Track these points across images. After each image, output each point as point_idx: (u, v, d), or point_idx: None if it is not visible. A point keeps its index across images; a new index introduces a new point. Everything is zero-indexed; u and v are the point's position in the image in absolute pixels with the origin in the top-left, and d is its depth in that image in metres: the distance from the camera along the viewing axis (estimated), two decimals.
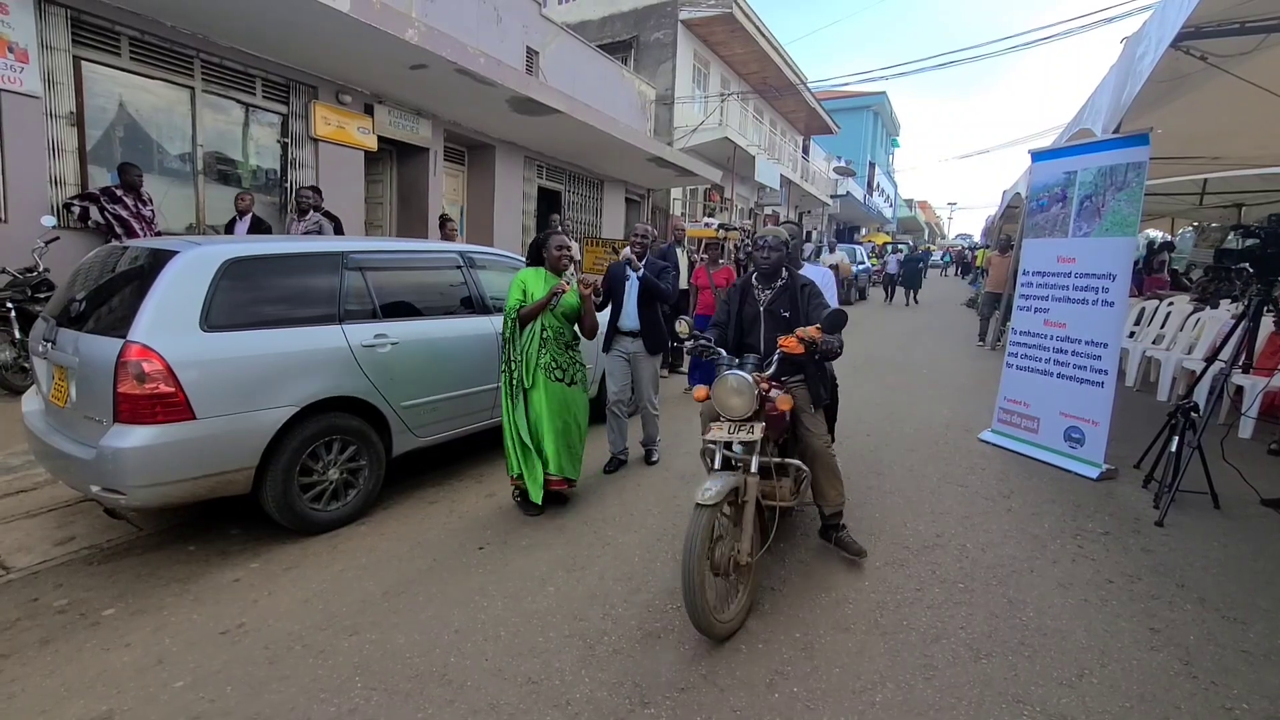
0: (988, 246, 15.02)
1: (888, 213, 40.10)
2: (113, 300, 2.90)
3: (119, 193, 5.36)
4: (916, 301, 17.08)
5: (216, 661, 2.19)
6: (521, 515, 3.42)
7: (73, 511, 3.31)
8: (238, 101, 6.77)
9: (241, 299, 2.93)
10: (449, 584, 2.73)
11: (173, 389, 2.62)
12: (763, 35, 16.67)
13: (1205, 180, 8.04)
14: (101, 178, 5.72)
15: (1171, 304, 7.42)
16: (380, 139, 8.15)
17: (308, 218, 6.05)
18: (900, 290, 17.37)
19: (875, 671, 2.23)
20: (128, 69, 5.82)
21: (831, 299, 3.40)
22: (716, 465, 2.52)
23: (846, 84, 22.99)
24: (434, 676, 2.14)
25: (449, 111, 8.89)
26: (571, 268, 8.99)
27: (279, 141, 7.25)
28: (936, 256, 39.86)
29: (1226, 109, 5.05)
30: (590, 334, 3.62)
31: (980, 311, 10.91)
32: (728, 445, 2.51)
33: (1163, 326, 7.27)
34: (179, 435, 2.66)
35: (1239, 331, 3.78)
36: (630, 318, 4.11)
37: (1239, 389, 5.22)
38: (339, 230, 6.45)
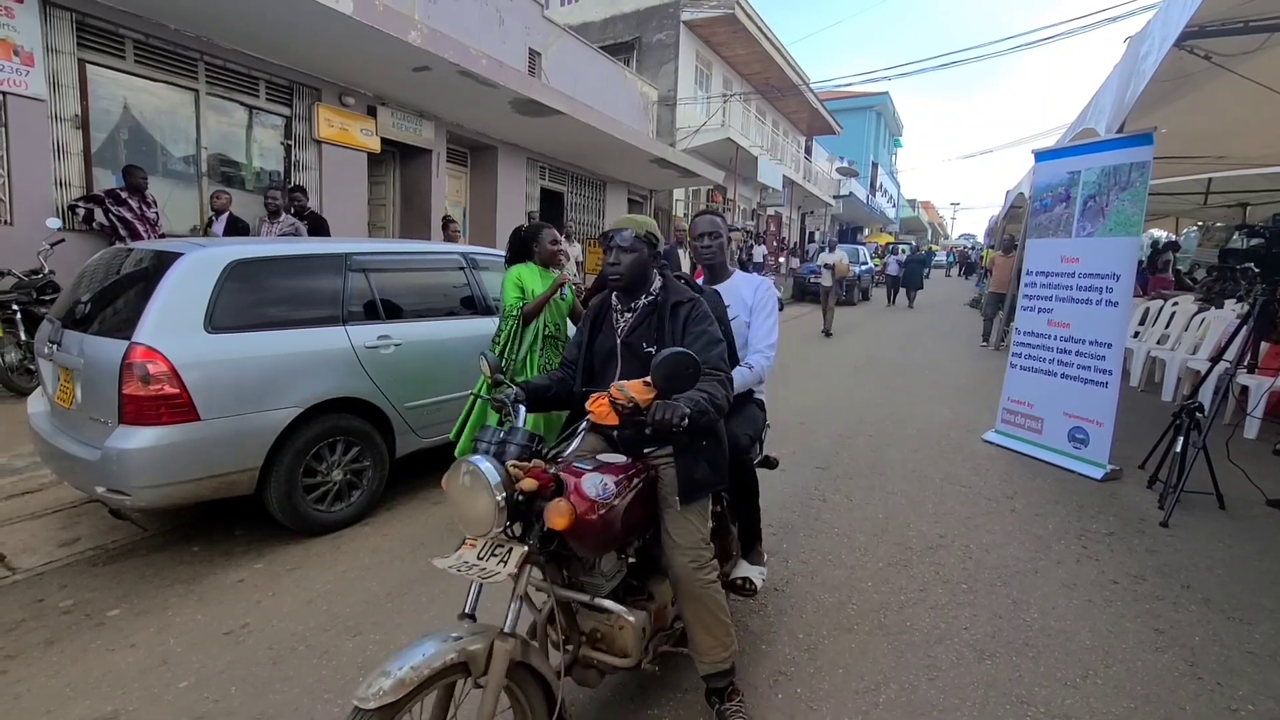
0: (993, 247, 14.98)
1: (890, 213, 40.08)
2: (118, 302, 2.91)
3: (124, 195, 5.39)
4: (912, 305, 16.70)
5: (220, 662, 2.20)
6: None
7: (78, 512, 3.32)
8: (241, 104, 6.80)
9: (246, 300, 2.94)
10: (452, 585, 2.73)
11: (177, 390, 2.63)
12: (765, 36, 16.68)
13: (1210, 180, 8.02)
14: (106, 180, 5.75)
15: (1176, 304, 7.40)
16: (383, 141, 8.18)
17: (280, 220, 5.89)
18: (902, 292, 17.16)
19: (879, 672, 2.22)
20: (132, 72, 5.85)
21: (762, 323, 2.41)
22: (468, 608, 1.47)
23: (849, 84, 23.04)
24: None
25: (452, 113, 8.91)
26: (571, 264, 9.03)
27: (282, 143, 7.28)
28: (940, 256, 39.81)
29: (1231, 108, 5.04)
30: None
31: (984, 312, 10.89)
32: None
33: (1167, 326, 7.25)
34: (183, 436, 2.67)
35: (1244, 331, 3.77)
36: None
37: (1244, 389, 5.20)
38: (323, 232, 6.30)
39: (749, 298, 2.45)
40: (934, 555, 3.11)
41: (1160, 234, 13.28)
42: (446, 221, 8.10)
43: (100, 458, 2.61)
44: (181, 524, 3.25)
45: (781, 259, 18.96)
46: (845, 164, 28.95)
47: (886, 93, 35.87)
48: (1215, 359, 4.30)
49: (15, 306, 4.69)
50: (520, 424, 1.68)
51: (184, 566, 2.85)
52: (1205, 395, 4.32)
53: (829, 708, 2.04)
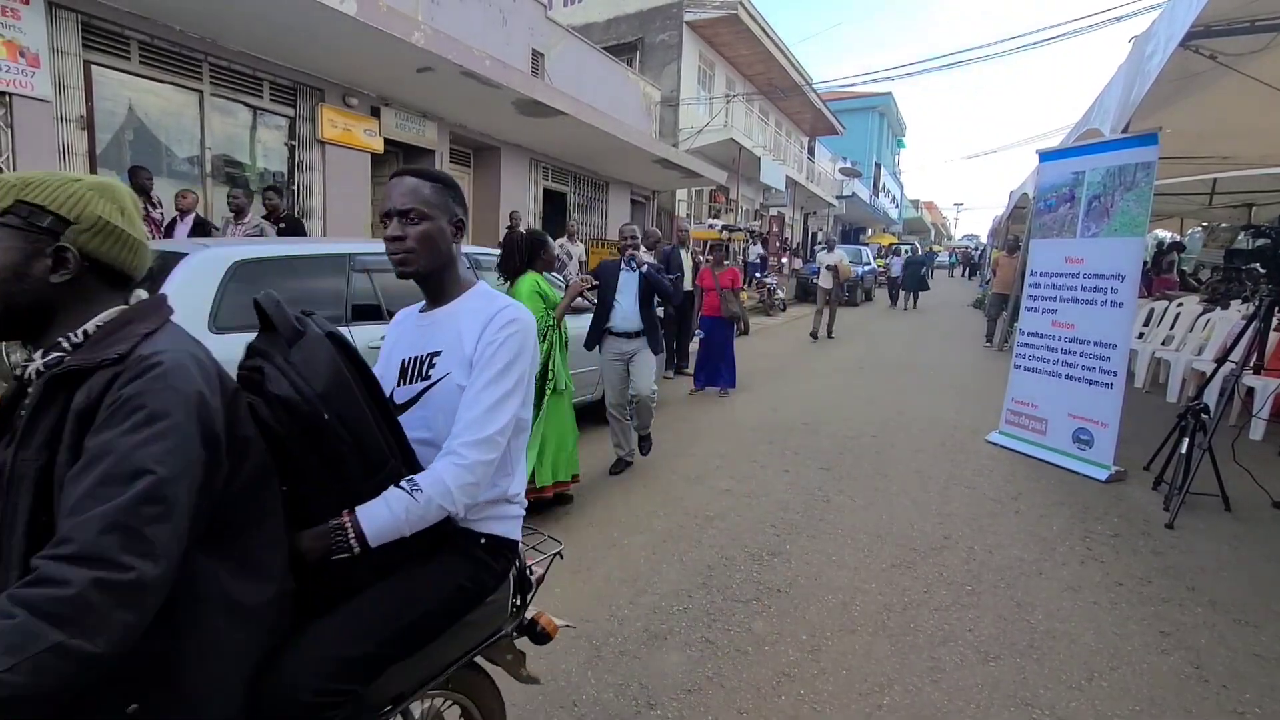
0: (999, 247, 14.89)
1: (893, 214, 40.01)
2: None
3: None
4: (915, 306, 16.36)
5: None
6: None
7: None
8: (245, 105, 6.82)
9: (250, 301, 2.94)
10: None
11: None
12: (768, 36, 16.66)
13: (1214, 180, 7.98)
14: None
15: (1181, 305, 7.37)
16: (386, 141, 8.19)
17: (246, 220, 5.53)
18: (904, 294, 16.72)
19: (882, 674, 2.21)
20: (137, 73, 5.87)
21: (482, 392, 1.24)
22: None
23: (852, 85, 22.98)
24: None
25: (455, 114, 8.92)
26: (574, 264, 9.04)
27: (286, 144, 7.30)
28: (943, 257, 39.72)
29: (1236, 108, 5.01)
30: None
31: (987, 312, 10.86)
32: None
33: (1172, 327, 7.22)
34: None
35: (1250, 332, 3.75)
36: (629, 319, 3.95)
37: (1250, 390, 5.18)
38: (299, 234, 5.98)
39: (470, 343, 1.29)
40: (938, 556, 3.10)
41: (1164, 235, 13.23)
42: None
43: None
44: None
45: (785, 259, 18.94)
46: (848, 164, 28.91)
47: (890, 93, 35.81)
48: (1221, 360, 4.28)
49: None
50: None
51: None
52: (1211, 396, 4.30)
53: (833, 709, 2.04)
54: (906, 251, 22.21)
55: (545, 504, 3.45)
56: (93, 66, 5.56)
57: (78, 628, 0.72)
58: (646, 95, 14.32)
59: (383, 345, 1.54)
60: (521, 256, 3.37)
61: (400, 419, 1.26)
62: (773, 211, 22.14)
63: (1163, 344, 7.18)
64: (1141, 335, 7.57)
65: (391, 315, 3.63)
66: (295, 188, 7.36)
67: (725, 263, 6.74)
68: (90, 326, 0.93)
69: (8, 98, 5.00)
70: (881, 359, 8.80)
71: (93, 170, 5.63)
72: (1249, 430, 5.00)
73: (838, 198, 27.68)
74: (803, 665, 2.25)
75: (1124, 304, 4.26)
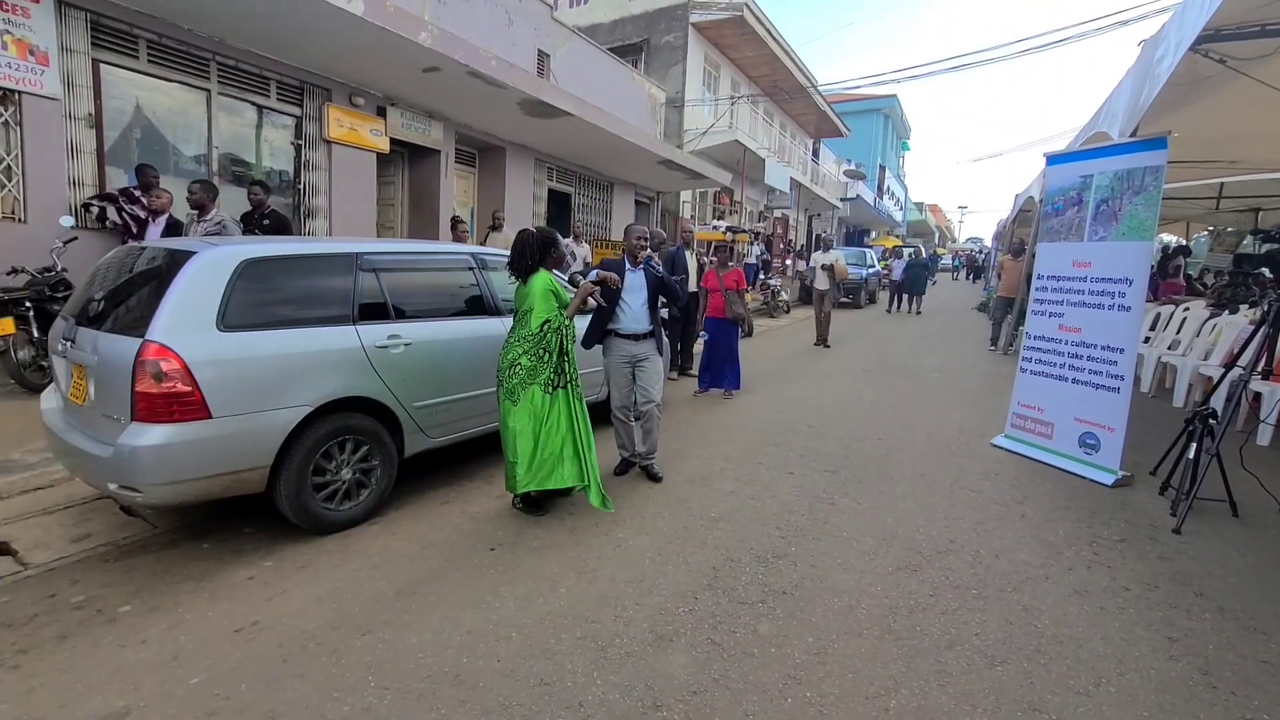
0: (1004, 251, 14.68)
1: (898, 216, 39.97)
2: (131, 300, 2.93)
3: (137, 194, 5.42)
4: (919, 311, 16.03)
5: (231, 659, 2.20)
6: (531, 517, 3.43)
7: (89, 509, 3.35)
8: (252, 104, 6.85)
9: (258, 299, 2.95)
10: (461, 584, 2.74)
11: (190, 388, 2.65)
12: (773, 38, 16.66)
13: (1222, 184, 7.96)
14: (119, 179, 5.80)
15: (1187, 309, 7.34)
16: (392, 141, 8.21)
17: (208, 216, 5.03)
18: (906, 298, 16.35)
19: (889, 677, 2.21)
20: (145, 71, 5.90)
21: None
22: None
23: (857, 87, 22.83)
24: (447, 677, 2.14)
25: (460, 114, 8.94)
26: (579, 264, 9.05)
27: (293, 143, 7.32)
28: (946, 260, 39.64)
29: (1245, 112, 4.99)
30: None
31: (992, 316, 10.83)
32: None
33: (1178, 332, 7.19)
34: (195, 434, 2.68)
35: (1258, 337, 3.73)
36: (639, 320, 3.92)
37: (1257, 395, 5.15)
38: (285, 233, 5.62)
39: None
40: (943, 560, 3.09)
41: (1170, 239, 13.19)
42: (455, 222, 8.12)
43: (113, 454, 2.62)
44: (192, 521, 3.27)
45: (788, 261, 18.91)
46: (853, 166, 28.89)
47: (895, 95, 35.79)
48: (1229, 365, 4.26)
49: (28, 303, 4.73)
50: None
51: (194, 563, 2.86)
52: (1218, 401, 4.28)
53: (839, 712, 2.03)
54: (910, 254, 22.10)
55: (534, 500, 3.47)
56: (101, 65, 5.59)
57: None
58: (651, 96, 14.33)
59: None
60: (533, 255, 3.37)
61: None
62: (777, 213, 22.13)
63: (1169, 348, 7.16)
64: (1148, 340, 7.54)
65: (398, 314, 3.65)
66: (301, 187, 7.38)
67: (730, 264, 6.72)
68: None
69: (17, 96, 5.03)
70: (886, 362, 8.78)
71: (100, 168, 5.65)
72: (1257, 436, 4.99)
73: (842, 200, 27.66)
74: (809, 668, 2.25)
75: (1131, 308, 4.24)
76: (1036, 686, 2.18)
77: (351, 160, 7.75)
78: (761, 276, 15.02)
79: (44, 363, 4.74)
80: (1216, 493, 3.65)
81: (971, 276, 32.47)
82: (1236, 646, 2.45)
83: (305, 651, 2.26)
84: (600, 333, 3.96)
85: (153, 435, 2.61)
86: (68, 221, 5.06)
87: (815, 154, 25.76)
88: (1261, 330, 3.73)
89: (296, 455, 2.97)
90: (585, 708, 2.02)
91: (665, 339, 4.16)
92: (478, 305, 4.02)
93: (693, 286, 7.07)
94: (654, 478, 4.03)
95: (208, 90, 6.40)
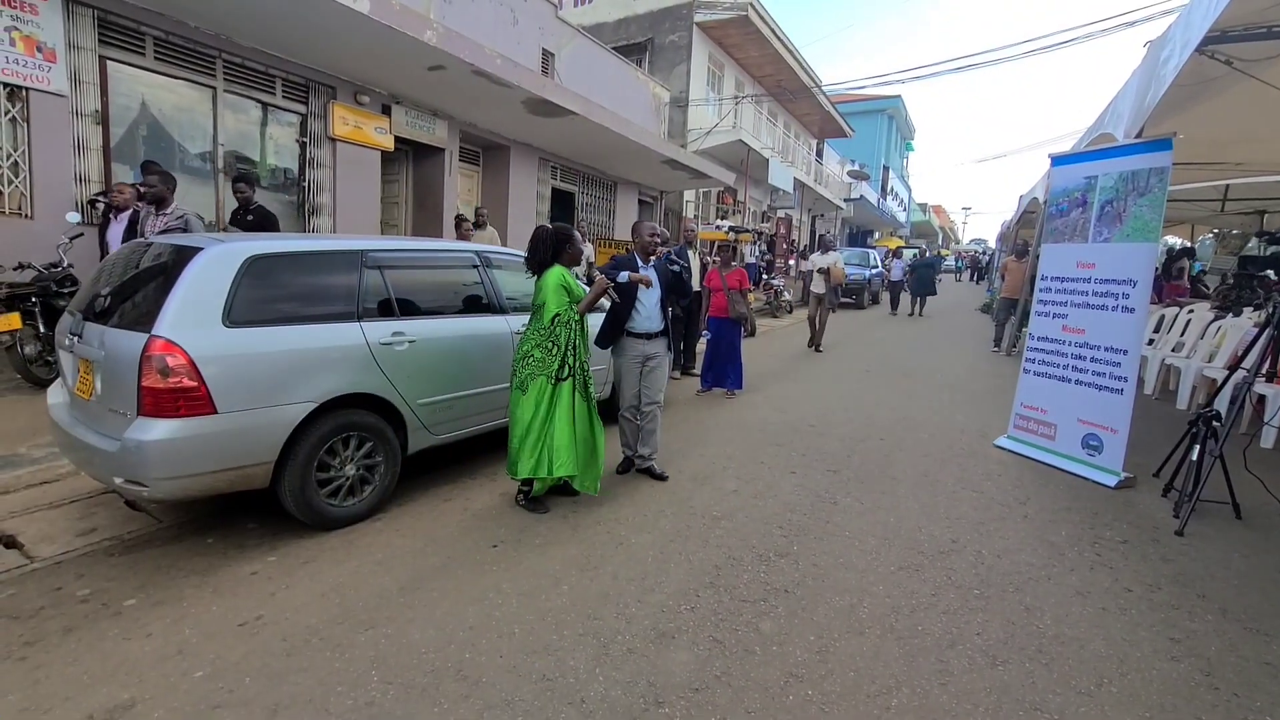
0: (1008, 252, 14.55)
1: (901, 217, 39.89)
2: (137, 295, 2.94)
3: (142, 190, 5.43)
4: (921, 312, 15.63)
5: (235, 652, 2.22)
6: (534, 514, 3.44)
7: (94, 503, 3.36)
8: (258, 101, 6.87)
9: (263, 295, 2.96)
10: (463, 580, 2.75)
11: (196, 383, 2.66)
12: (777, 38, 16.65)
13: (1227, 186, 7.93)
14: (125, 175, 5.81)
15: (1192, 311, 7.32)
16: (397, 139, 8.23)
17: (167, 210, 4.54)
18: (905, 299, 16.08)
19: (890, 676, 2.21)
20: (151, 69, 5.92)
21: None
22: None
23: (861, 87, 22.83)
24: (449, 672, 2.15)
25: (465, 112, 8.96)
26: (584, 265, 9.07)
27: (298, 141, 7.34)
28: (949, 261, 39.57)
29: (1251, 114, 4.99)
30: None
31: (995, 317, 10.81)
32: None
33: (1182, 334, 7.18)
34: (201, 429, 2.69)
35: (1263, 340, 3.73)
36: (653, 318, 3.91)
37: (1261, 398, 5.14)
38: (270, 229, 5.42)
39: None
40: (945, 560, 3.09)
41: (1175, 241, 13.16)
42: (459, 220, 8.13)
43: (119, 449, 2.64)
44: (196, 516, 3.28)
45: (791, 261, 18.90)
46: (856, 167, 28.84)
47: (899, 96, 35.72)
48: (1233, 367, 4.25)
49: (35, 299, 4.75)
50: None
51: (199, 558, 2.88)
52: (1221, 403, 4.27)
53: (840, 710, 2.04)
54: (913, 254, 21.99)
55: (560, 490, 3.54)
56: (108, 62, 5.61)
57: None
58: (656, 96, 14.32)
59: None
60: (548, 251, 3.45)
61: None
62: (780, 213, 22.09)
63: (1173, 350, 7.14)
64: (1151, 342, 7.53)
65: (403, 311, 3.66)
66: (306, 184, 7.40)
67: (733, 263, 6.73)
68: None
69: (25, 92, 5.05)
70: (888, 363, 8.77)
71: (106, 164, 5.68)
72: (1260, 438, 4.98)
73: (846, 200, 27.62)
74: (811, 666, 2.25)
75: (1135, 309, 4.24)
76: (1038, 686, 2.18)
77: (356, 158, 7.77)
78: (765, 276, 15.00)
79: (50, 358, 4.76)
80: (1219, 495, 3.65)
81: (975, 277, 32.43)
82: (1239, 648, 2.45)
83: (309, 646, 2.27)
84: (617, 333, 3.93)
85: (159, 430, 2.62)
86: (74, 217, 5.08)
87: (819, 154, 25.72)
88: (1266, 333, 3.73)
89: (301, 451, 2.99)
90: (587, 704, 2.02)
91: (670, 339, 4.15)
92: (482, 303, 4.03)
93: (696, 286, 7.07)
94: (658, 476, 4.02)
95: (214, 88, 6.42)
